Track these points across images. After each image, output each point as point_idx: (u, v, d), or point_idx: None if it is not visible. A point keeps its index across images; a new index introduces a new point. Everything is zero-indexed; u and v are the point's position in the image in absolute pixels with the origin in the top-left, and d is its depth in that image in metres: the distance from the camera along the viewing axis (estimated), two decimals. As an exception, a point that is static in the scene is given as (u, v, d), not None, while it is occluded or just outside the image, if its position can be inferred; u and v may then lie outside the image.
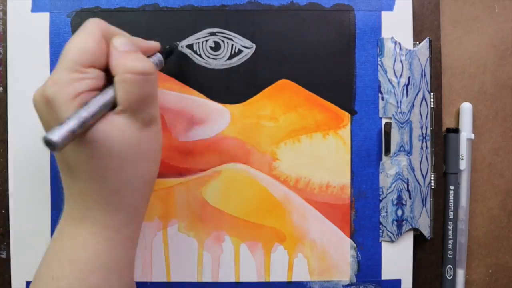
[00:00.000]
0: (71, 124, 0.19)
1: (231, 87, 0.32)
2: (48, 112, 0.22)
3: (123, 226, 0.24)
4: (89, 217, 0.24)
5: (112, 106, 0.22)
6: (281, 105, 0.32)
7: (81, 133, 0.21)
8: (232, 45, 0.32)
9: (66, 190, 0.25)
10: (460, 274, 0.34)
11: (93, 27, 0.23)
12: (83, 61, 0.22)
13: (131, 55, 0.23)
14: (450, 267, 0.33)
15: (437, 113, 0.33)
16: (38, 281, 0.24)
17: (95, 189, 0.23)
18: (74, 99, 0.21)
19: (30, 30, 0.31)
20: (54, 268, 0.23)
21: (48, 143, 0.18)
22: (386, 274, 0.32)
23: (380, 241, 0.32)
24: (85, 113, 0.20)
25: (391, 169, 0.32)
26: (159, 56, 0.28)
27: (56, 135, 0.19)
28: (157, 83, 0.24)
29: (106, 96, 0.22)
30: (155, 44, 0.28)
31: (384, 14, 0.32)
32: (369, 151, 0.32)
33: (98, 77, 0.23)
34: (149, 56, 0.27)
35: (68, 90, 0.21)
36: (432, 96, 0.33)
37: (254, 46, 0.32)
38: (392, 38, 0.32)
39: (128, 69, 0.22)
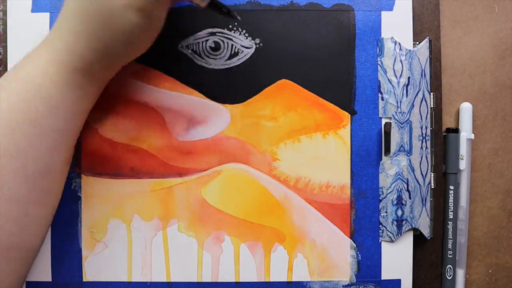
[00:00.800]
0: None
1: (231, 87, 0.32)
2: None
3: (75, 72, 0.25)
4: (54, 44, 0.25)
5: None
6: (281, 105, 0.32)
7: None
8: (232, 45, 0.32)
9: (63, 6, 0.26)
10: (460, 274, 0.34)
11: None
12: None
13: None
14: (450, 267, 0.33)
15: (437, 113, 0.33)
16: None
17: (70, 19, 0.25)
18: None
19: (30, 30, 0.31)
20: (7, 82, 0.25)
21: None
22: (386, 274, 0.32)
23: (380, 241, 0.32)
24: None
25: (391, 169, 0.32)
26: None
27: None
28: None
29: None
30: None
31: (384, 14, 0.32)
32: (369, 151, 0.32)
33: None
34: None
35: None
36: (432, 96, 0.33)
37: (254, 46, 0.32)
38: (392, 38, 0.32)
39: None
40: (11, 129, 0.24)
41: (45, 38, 0.26)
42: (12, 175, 0.24)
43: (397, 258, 0.32)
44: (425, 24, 0.33)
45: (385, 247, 0.32)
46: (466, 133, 0.33)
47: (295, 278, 0.32)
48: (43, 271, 0.31)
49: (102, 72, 0.27)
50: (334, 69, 0.32)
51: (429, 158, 0.33)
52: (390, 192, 0.32)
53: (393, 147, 0.32)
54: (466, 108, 0.34)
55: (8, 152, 0.24)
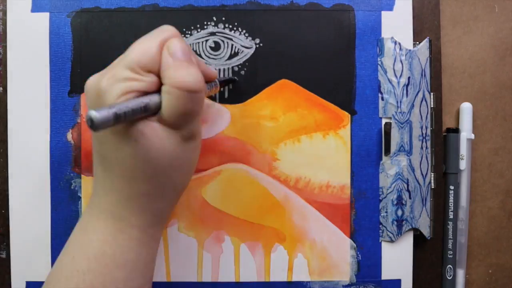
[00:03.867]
0: (114, 109, 0.20)
1: (231, 87, 0.32)
2: (96, 101, 0.22)
3: (148, 226, 0.25)
4: (117, 214, 0.24)
5: (156, 111, 0.22)
6: (281, 105, 0.32)
7: (122, 125, 0.21)
8: (232, 45, 0.32)
9: (98, 183, 0.25)
10: (460, 274, 0.34)
11: (166, 34, 0.23)
12: (143, 64, 0.22)
13: (184, 67, 0.22)
14: (450, 267, 0.33)
15: (437, 113, 0.33)
16: (60, 273, 0.24)
17: (127, 187, 0.23)
18: (125, 95, 0.21)
19: (30, 30, 0.31)
20: (79, 262, 0.24)
21: (90, 120, 0.19)
22: (386, 274, 0.32)
23: (380, 241, 0.32)
24: (130, 104, 0.21)
25: (391, 169, 0.32)
26: (213, 83, 0.28)
27: (99, 114, 0.19)
28: (203, 101, 0.24)
29: (154, 98, 0.22)
30: (212, 72, 0.28)
31: (384, 14, 0.32)
32: (369, 151, 0.32)
33: (153, 82, 0.22)
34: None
35: (121, 86, 0.21)
36: (432, 96, 0.33)
37: (254, 46, 0.32)
38: (392, 38, 0.32)
39: (177, 83, 0.22)
40: None
41: (93, 205, 0.25)
42: None
43: (397, 258, 0.32)
44: (425, 24, 0.33)
45: (385, 247, 0.32)
46: (466, 133, 0.33)
47: (295, 278, 0.32)
48: (43, 271, 0.31)
49: (169, 213, 0.27)
50: (334, 69, 0.32)
51: (429, 158, 0.33)
52: (390, 192, 0.32)
53: (393, 147, 0.32)
54: (466, 108, 0.34)
55: None
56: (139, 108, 0.21)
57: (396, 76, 0.32)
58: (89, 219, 0.25)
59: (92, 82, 0.22)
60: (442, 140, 0.34)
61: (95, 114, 0.19)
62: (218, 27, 0.32)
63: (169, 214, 0.27)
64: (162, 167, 0.23)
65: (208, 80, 0.27)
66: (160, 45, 0.23)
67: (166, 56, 0.22)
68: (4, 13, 0.32)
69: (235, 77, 0.32)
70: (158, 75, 0.23)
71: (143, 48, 0.22)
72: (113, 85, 0.21)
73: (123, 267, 0.24)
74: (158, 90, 0.22)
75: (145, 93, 0.22)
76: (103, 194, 0.24)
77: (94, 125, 0.19)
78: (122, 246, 0.24)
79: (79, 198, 0.32)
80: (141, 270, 0.25)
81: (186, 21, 0.32)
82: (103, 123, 0.19)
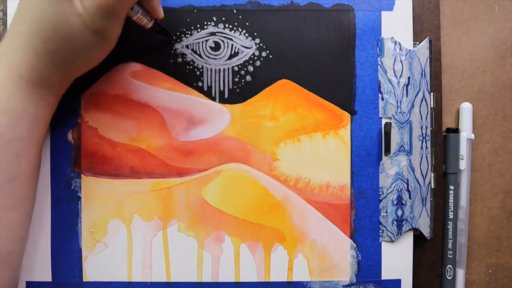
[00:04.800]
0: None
1: (231, 87, 0.32)
2: None
3: (36, 85, 0.26)
4: (12, 60, 0.26)
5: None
6: (281, 105, 0.32)
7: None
8: (232, 45, 0.32)
9: (10, 27, 0.26)
10: (460, 274, 0.34)
11: None
12: None
13: None
14: (450, 267, 0.33)
15: (437, 113, 0.33)
16: None
17: (26, 37, 0.25)
18: None
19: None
20: None
21: None
22: (386, 274, 0.32)
23: (380, 241, 0.32)
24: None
25: (391, 169, 0.32)
26: (150, 17, 0.29)
27: None
28: (128, 6, 0.26)
29: None
30: (159, 12, 0.29)
31: (384, 14, 0.32)
32: (369, 151, 0.32)
33: None
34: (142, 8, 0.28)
35: None
36: (432, 96, 0.33)
37: (254, 46, 0.32)
38: (392, 38, 0.32)
39: None
40: None
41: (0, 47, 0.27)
42: None
43: (397, 258, 0.32)
44: (425, 24, 0.33)
45: (385, 247, 0.32)
46: (466, 133, 0.33)
47: (295, 278, 0.32)
48: (43, 271, 0.31)
49: (60, 84, 0.28)
50: (334, 69, 0.32)
51: (429, 158, 0.33)
52: (390, 192, 0.32)
53: (393, 147, 0.32)
54: (466, 108, 0.34)
55: None
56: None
57: (396, 76, 0.32)
58: None
59: None
60: (442, 140, 0.34)
61: None
62: (218, 27, 0.32)
63: (60, 85, 0.28)
64: (60, 37, 0.25)
65: (152, 14, 0.29)
66: None
67: None
68: (4, 13, 0.32)
69: (172, 36, 0.32)
70: None
71: None
72: None
73: (7, 113, 0.25)
74: None
75: None
76: (8, 37, 0.26)
77: None
78: (9, 93, 0.26)
79: (79, 198, 0.32)
80: (27, 122, 0.26)
81: (186, 21, 0.32)
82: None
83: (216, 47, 0.32)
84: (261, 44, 0.32)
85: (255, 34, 0.32)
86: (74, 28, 0.25)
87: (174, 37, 0.32)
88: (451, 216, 0.33)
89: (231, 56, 0.32)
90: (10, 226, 0.27)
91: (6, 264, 0.27)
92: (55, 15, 0.24)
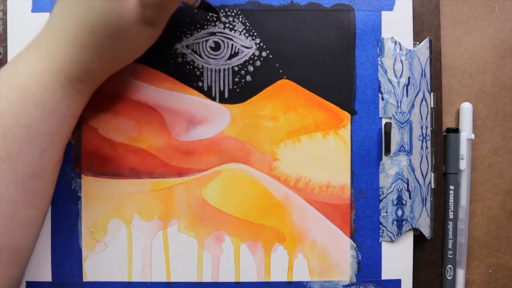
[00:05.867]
0: None
1: (231, 87, 0.32)
2: None
3: (76, 80, 0.26)
4: (51, 53, 0.25)
5: None
6: (281, 105, 0.32)
7: None
8: (232, 45, 0.32)
9: (51, 19, 0.26)
10: (460, 274, 0.34)
11: None
12: None
13: None
14: (450, 267, 0.33)
15: (437, 113, 0.33)
16: None
17: (70, 30, 0.24)
18: None
19: (30, 30, 0.31)
20: (0, 88, 0.24)
21: None
22: (386, 274, 0.32)
23: (380, 241, 0.32)
24: None
25: (391, 169, 0.32)
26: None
27: None
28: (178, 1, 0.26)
29: None
30: None
31: (384, 14, 0.32)
32: (369, 151, 0.32)
33: None
34: None
35: None
36: (432, 96, 0.33)
37: (254, 46, 0.32)
38: (392, 38, 0.32)
39: None
40: (2, 133, 0.24)
41: (37, 40, 0.26)
42: (2, 177, 0.24)
43: (397, 258, 0.32)
44: (425, 24, 0.33)
45: (385, 247, 0.32)
46: (466, 133, 0.33)
47: (295, 278, 0.32)
48: (43, 271, 0.31)
49: (100, 78, 0.28)
50: (334, 69, 0.32)
51: (429, 158, 0.33)
52: (390, 192, 0.32)
53: (393, 147, 0.32)
54: (466, 108, 0.34)
55: None
56: None
57: (396, 76, 0.32)
58: (25, 52, 0.26)
59: None
60: (442, 140, 0.34)
61: None
62: (218, 27, 0.32)
63: (100, 79, 0.28)
64: (111, 32, 0.24)
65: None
66: None
67: None
68: (4, 13, 0.32)
69: (218, 12, 0.32)
70: None
71: None
72: None
73: (40, 107, 0.25)
74: None
75: None
76: (49, 30, 0.25)
77: None
78: (46, 87, 0.25)
79: (79, 198, 0.32)
80: (58, 117, 0.26)
81: (186, 21, 0.32)
82: None
83: (216, 47, 0.32)
84: (261, 44, 0.32)
85: (255, 34, 0.32)
86: (126, 22, 0.24)
87: (219, 12, 0.32)
88: (451, 216, 0.33)
89: (231, 56, 0.32)
90: (27, 223, 0.26)
91: (18, 260, 0.27)
92: (108, 11, 0.23)
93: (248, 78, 0.32)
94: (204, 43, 0.32)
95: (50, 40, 0.25)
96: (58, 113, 0.26)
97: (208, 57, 0.32)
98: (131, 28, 0.25)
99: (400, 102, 0.32)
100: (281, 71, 0.32)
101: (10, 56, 0.31)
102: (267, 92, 0.32)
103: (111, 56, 0.26)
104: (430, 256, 0.33)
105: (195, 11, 0.31)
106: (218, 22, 0.32)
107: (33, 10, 0.31)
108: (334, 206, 0.32)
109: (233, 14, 0.32)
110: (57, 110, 0.26)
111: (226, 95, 0.32)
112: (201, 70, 0.32)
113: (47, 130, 0.25)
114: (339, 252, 0.32)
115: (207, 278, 0.32)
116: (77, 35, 0.24)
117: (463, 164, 0.33)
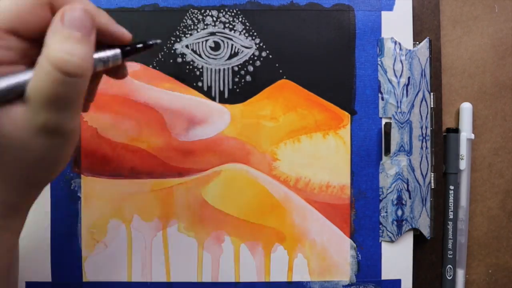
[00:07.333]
0: None
1: (231, 87, 0.32)
2: None
3: (4, 213, 0.21)
4: None
5: (21, 91, 0.18)
6: (281, 105, 0.32)
7: None
8: (232, 45, 0.32)
9: None
10: (460, 274, 0.34)
11: None
12: (3, 23, 0.18)
13: (73, 40, 0.18)
14: (450, 267, 0.33)
15: (437, 113, 0.33)
16: None
17: None
18: None
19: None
20: None
21: None
22: (386, 274, 0.32)
23: (380, 241, 0.32)
24: None
25: (391, 169, 0.32)
26: (115, 52, 0.21)
27: None
28: (83, 91, 0.19)
29: (18, 78, 0.18)
30: (125, 35, 0.22)
31: (384, 14, 0.32)
32: (369, 151, 0.32)
33: (15, 49, 0.18)
34: (105, 47, 0.21)
35: None
36: (432, 96, 0.33)
37: (254, 46, 0.32)
38: (392, 38, 0.32)
39: (54, 58, 0.18)
40: None
41: None
42: None
43: (397, 258, 0.32)
44: (425, 24, 0.33)
45: (385, 247, 0.32)
46: (466, 133, 0.33)
47: (295, 278, 0.32)
48: (43, 271, 0.31)
49: (25, 205, 0.23)
50: (334, 69, 0.32)
51: (429, 158, 0.33)
52: (390, 192, 0.32)
53: (393, 147, 0.32)
54: (466, 108, 0.34)
55: None
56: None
57: (396, 76, 0.32)
58: None
59: None
60: (442, 140, 0.34)
61: None
62: (218, 27, 0.32)
63: (25, 207, 0.23)
64: (12, 157, 0.19)
65: (120, 41, 0.22)
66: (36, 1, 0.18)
67: (57, 21, 0.18)
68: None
69: (154, 42, 0.23)
70: (28, 38, 0.19)
71: (8, 3, 0.18)
72: None
73: None
74: (31, 62, 0.18)
75: (5, 64, 0.18)
76: None
77: None
78: None
79: (79, 198, 0.32)
80: None
81: (186, 21, 0.32)
82: None
83: (216, 47, 0.32)
84: (261, 44, 0.32)
85: (255, 34, 0.32)
86: (23, 142, 0.19)
87: (158, 40, 0.24)
88: (451, 216, 0.33)
89: (231, 56, 0.32)
90: None
91: None
92: None
93: (248, 78, 0.32)
94: (204, 43, 0.32)
95: None
96: None
97: (208, 57, 0.32)
98: (30, 148, 0.19)
99: (400, 102, 0.32)
100: (281, 71, 0.32)
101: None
102: (267, 92, 0.32)
103: (24, 183, 0.21)
104: (430, 256, 0.33)
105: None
106: (218, 22, 0.32)
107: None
108: (334, 206, 0.32)
109: (233, 14, 0.32)
110: None
111: (226, 95, 0.32)
112: (201, 70, 0.32)
113: None
114: (339, 252, 0.32)
115: (207, 278, 0.32)
116: None
117: (463, 164, 0.33)
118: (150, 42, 0.23)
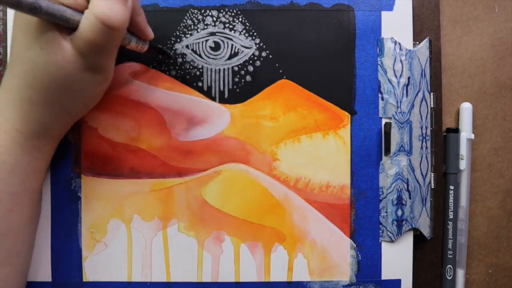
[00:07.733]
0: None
1: (231, 87, 0.32)
2: None
3: (32, 136, 0.26)
4: (5, 113, 0.25)
5: (74, 29, 0.23)
6: (281, 105, 0.32)
7: (36, 28, 0.22)
8: (232, 45, 0.32)
9: (3, 79, 0.26)
10: (460, 274, 0.34)
11: None
12: None
13: (113, 0, 0.22)
14: (450, 267, 0.33)
15: (437, 113, 0.33)
16: None
17: (21, 90, 0.24)
18: None
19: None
20: None
21: None
22: (386, 274, 0.32)
23: (380, 241, 0.32)
24: (51, 4, 0.21)
25: (391, 169, 0.32)
26: (143, 42, 0.28)
27: None
28: (119, 41, 0.25)
29: (76, 16, 0.22)
30: (149, 33, 0.28)
31: (384, 14, 0.32)
32: (369, 151, 0.32)
33: (80, 3, 0.23)
34: (136, 37, 0.27)
35: None
36: (432, 96, 0.33)
37: (254, 46, 0.32)
38: (392, 38, 0.32)
39: (98, 12, 0.22)
40: None
41: None
42: None
43: (397, 258, 0.32)
44: (425, 24, 0.33)
45: (385, 247, 0.32)
46: (466, 133, 0.33)
47: (295, 278, 0.32)
48: (43, 271, 0.31)
49: (59, 131, 0.27)
50: (334, 69, 0.32)
51: (429, 158, 0.33)
52: (390, 192, 0.32)
53: (393, 147, 0.32)
54: (466, 108, 0.34)
55: None
56: (57, 13, 0.21)
57: (396, 76, 0.32)
58: None
59: None
60: (442, 140, 0.34)
61: None
62: (218, 27, 0.32)
63: (58, 133, 0.28)
64: (57, 85, 0.24)
65: (142, 37, 0.28)
66: None
67: None
68: (4, 13, 0.32)
69: (170, 52, 0.31)
70: None
71: None
72: None
73: None
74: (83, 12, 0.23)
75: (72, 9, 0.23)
76: (1, 91, 0.25)
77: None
78: (3, 147, 0.25)
79: (79, 198, 0.32)
80: (20, 176, 0.26)
81: (186, 21, 0.32)
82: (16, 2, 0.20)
83: (216, 47, 0.32)
84: (261, 44, 0.32)
85: (255, 34, 0.32)
86: (69, 72, 0.23)
87: (172, 54, 0.31)
88: (451, 216, 0.33)
89: (231, 56, 0.32)
90: (2, 282, 0.26)
91: None
92: (48, 64, 0.23)
93: (248, 78, 0.32)
94: (204, 43, 0.32)
95: (2, 100, 0.25)
96: (19, 172, 0.25)
97: (208, 57, 0.32)
98: (76, 78, 0.24)
99: (400, 102, 0.32)
100: (281, 71, 0.32)
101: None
102: (267, 92, 0.32)
103: (63, 110, 0.26)
104: (430, 256, 0.33)
105: (146, 54, 0.30)
106: (218, 22, 0.32)
107: (33, 10, 0.31)
108: (334, 206, 0.32)
109: (233, 14, 0.32)
110: (17, 169, 0.25)
111: (226, 95, 0.32)
112: (201, 70, 0.32)
113: (9, 190, 0.25)
114: (339, 252, 0.32)
115: (207, 278, 0.32)
116: (26, 93, 0.24)
117: (463, 164, 0.33)
118: (169, 52, 0.31)
